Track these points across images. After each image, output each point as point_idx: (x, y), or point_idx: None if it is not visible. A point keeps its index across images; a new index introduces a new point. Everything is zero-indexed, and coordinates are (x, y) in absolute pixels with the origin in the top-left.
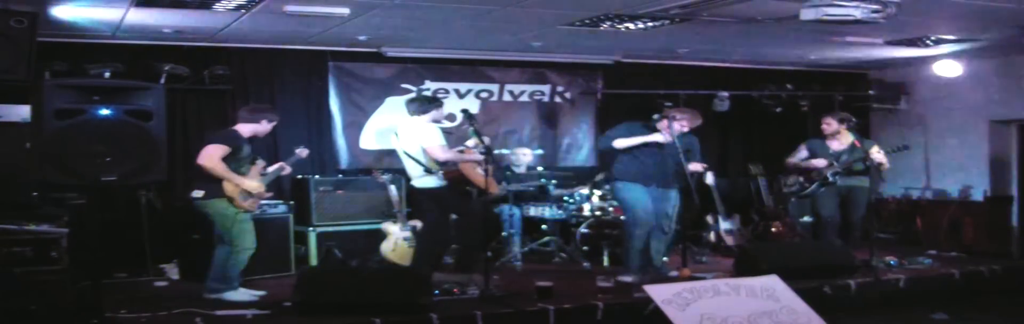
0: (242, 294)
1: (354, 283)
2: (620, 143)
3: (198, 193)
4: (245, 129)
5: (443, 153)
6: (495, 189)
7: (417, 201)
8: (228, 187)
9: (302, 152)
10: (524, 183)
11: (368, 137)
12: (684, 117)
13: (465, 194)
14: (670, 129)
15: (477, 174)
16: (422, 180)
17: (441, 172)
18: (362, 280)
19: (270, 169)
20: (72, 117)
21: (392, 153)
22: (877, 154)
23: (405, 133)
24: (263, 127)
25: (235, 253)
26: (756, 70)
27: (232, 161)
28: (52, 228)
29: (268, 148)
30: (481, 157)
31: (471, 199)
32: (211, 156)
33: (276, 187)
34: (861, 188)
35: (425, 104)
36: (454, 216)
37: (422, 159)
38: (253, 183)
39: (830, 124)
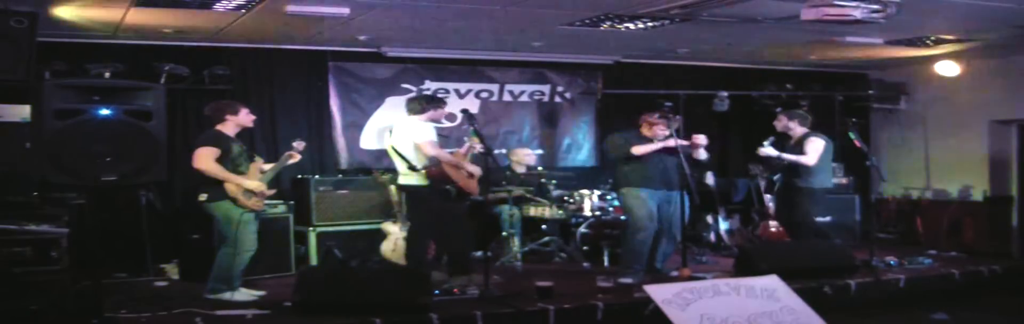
0: (242, 294)
1: (354, 283)
2: (639, 150)
3: (203, 196)
4: (227, 128)
5: (433, 149)
6: (475, 191)
7: (403, 199)
8: (230, 188)
9: (299, 145)
10: (522, 186)
11: (368, 137)
12: (660, 121)
13: (445, 193)
14: (670, 130)
15: (459, 175)
16: (406, 177)
17: (423, 171)
18: (362, 280)
19: (273, 165)
20: (72, 117)
21: None
22: (765, 148)
23: (399, 130)
24: (241, 119)
25: (235, 254)
26: (756, 70)
27: (226, 161)
28: (52, 228)
29: (269, 147)
30: (474, 169)
31: (451, 199)
32: (203, 159)
33: (276, 186)
34: (788, 185)
35: (424, 103)
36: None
37: (410, 156)
38: (253, 182)
39: (779, 120)
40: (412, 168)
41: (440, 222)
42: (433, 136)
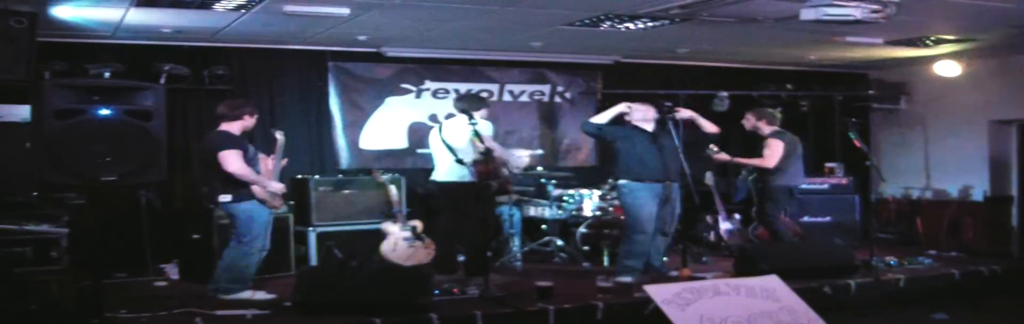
0: (257, 293)
1: (354, 283)
2: (597, 118)
3: (226, 197)
4: (235, 128)
5: (491, 142)
6: (511, 190)
7: (430, 198)
8: (257, 190)
9: (280, 135)
10: (523, 185)
11: (368, 137)
12: (640, 108)
13: (486, 188)
14: (667, 120)
15: (500, 172)
16: (447, 173)
17: (472, 165)
18: (362, 280)
19: (276, 164)
20: (72, 117)
21: (392, 153)
22: (718, 153)
23: (459, 124)
24: (249, 122)
25: (251, 253)
26: (756, 70)
27: (244, 162)
28: (52, 228)
29: (268, 147)
30: (525, 159)
31: (485, 196)
32: (235, 162)
33: None
34: (759, 184)
35: (479, 102)
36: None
37: (460, 150)
38: (278, 184)
39: (747, 119)
40: (459, 161)
41: (467, 221)
42: (492, 132)
